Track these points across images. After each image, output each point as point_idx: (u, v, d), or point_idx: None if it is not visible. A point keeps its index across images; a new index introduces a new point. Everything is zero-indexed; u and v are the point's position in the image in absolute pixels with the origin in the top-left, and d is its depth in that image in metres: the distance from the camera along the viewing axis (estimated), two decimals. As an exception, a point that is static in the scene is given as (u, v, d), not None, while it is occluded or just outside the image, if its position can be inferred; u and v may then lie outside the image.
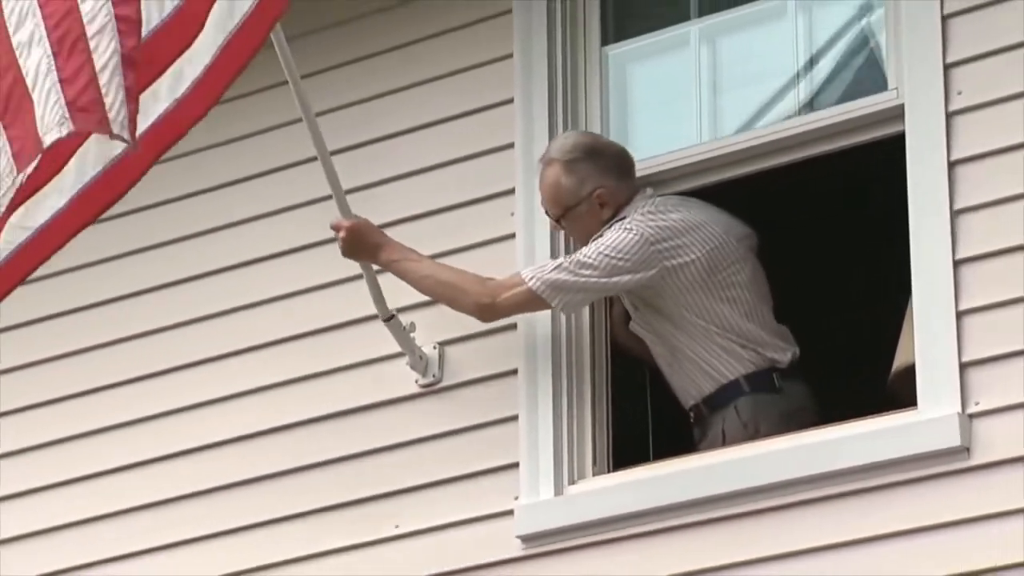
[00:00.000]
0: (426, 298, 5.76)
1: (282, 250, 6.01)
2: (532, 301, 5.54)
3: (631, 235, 5.51)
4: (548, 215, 5.69)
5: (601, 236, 5.56)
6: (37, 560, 6.20)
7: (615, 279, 5.50)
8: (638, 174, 5.69)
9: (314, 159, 5.60)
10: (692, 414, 5.65)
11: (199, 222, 6.19)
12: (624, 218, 5.58)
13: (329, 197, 5.71)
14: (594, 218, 5.63)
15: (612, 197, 5.63)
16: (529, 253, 5.74)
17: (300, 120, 5.54)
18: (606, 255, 5.49)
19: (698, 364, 5.57)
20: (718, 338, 5.54)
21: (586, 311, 5.71)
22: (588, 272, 5.49)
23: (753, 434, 5.49)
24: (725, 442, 5.51)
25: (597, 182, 5.61)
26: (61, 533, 6.20)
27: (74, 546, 6.16)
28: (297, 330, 5.97)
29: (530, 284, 5.51)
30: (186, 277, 6.20)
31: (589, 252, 5.52)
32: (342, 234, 5.63)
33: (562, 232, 5.75)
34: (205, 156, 6.18)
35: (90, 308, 6.29)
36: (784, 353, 5.59)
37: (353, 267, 5.70)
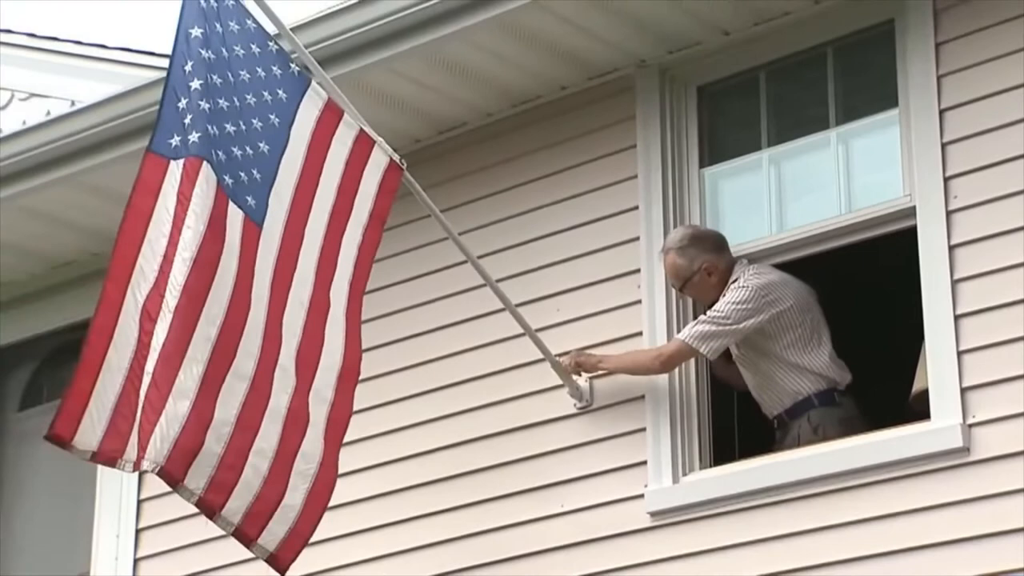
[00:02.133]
0: (581, 345, 5.76)
1: (486, 311, 5.98)
2: (688, 352, 5.52)
3: (747, 291, 5.48)
4: (674, 287, 5.70)
5: (725, 295, 5.52)
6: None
7: (744, 323, 5.47)
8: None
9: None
10: (776, 422, 5.60)
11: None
12: (737, 280, 5.55)
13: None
14: (705, 283, 5.61)
15: (715, 267, 5.60)
16: (651, 313, 5.73)
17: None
18: (734, 306, 5.47)
19: (782, 385, 5.54)
20: (798, 366, 5.51)
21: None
22: (724, 321, 5.46)
23: (820, 436, 5.45)
24: (800, 442, 5.47)
25: (703, 259, 5.59)
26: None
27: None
28: (495, 368, 5.95)
29: (685, 340, 5.49)
30: (432, 329, 6.16)
31: (721, 308, 5.49)
32: (571, 365, 5.70)
33: (680, 297, 5.71)
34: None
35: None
36: (843, 377, 5.55)
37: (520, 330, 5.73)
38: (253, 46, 5.03)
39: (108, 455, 4.55)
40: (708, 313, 5.54)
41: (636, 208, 5.86)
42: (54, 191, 6.61)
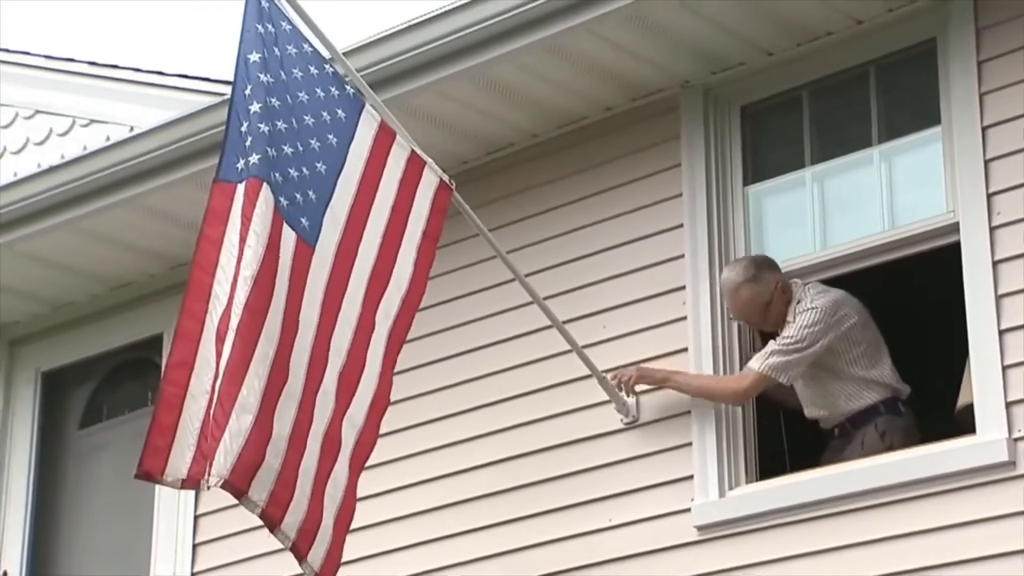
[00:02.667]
0: (627, 362, 5.67)
1: (534, 328, 5.92)
2: (765, 381, 5.40)
3: (817, 311, 5.38)
4: (750, 319, 5.51)
5: (793, 321, 5.41)
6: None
7: (816, 345, 5.37)
8: (773, 274, 5.60)
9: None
10: (836, 430, 5.49)
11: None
12: (800, 301, 5.44)
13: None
14: (780, 302, 5.48)
15: (784, 284, 5.50)
16: (696, 329, 5.64)
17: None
18: (807, 330, 5.36)
19: (847, 395, 5.43)
20: (864, 378, 5.42)
21: (736, 373, 5.55)
22: (799, 346, 5.36)
23: (888, 444, 5.35)
24: (864, 448, 5.37)
25: (774, 279, 5.48)
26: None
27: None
28: (542, 384, 5.88)
29: (763, 371, 5.37)
30: (490, 343, 6.06)
31: (792, 334, 5.38)
32: (633, 377, 5.55)
33: (727, 315, 5.59)
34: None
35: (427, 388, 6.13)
36: (903, 388, 5.47)
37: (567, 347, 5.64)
38: (311, 68, 5.01)
39: (195, 479, 4.55)
40: (779, 341, 5.41)
41: (681, 226, 5.79)
42: (114, 214, 6.60)
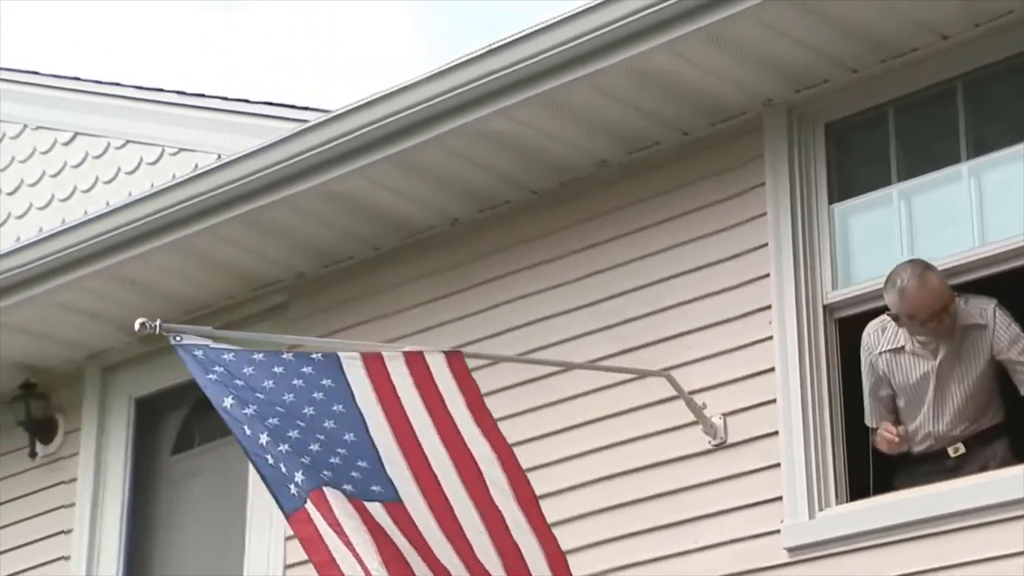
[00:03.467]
0: (714, 383, 5.63)
1: (621, 350, 5.86)
2: None
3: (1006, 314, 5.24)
4: (938, 313, 5.18)
5: (1003, 332, 5.22)
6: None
7: None
8: (858, 294, 5.50)
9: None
10: (954, 449, 5.28)
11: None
12: (982, 312, 5.23)
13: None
14: None
15: None
16: (783, 348, 5.54)
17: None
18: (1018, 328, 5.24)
19: (992, 411, 5.28)
20: (998, 392, 5.29)
21: (824, 391, 5.49)
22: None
23: (1017, 460, 5.20)
24: (997, 462, 5.20)
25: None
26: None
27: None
28: (629, 406, 5.80)
29: None
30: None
31: (1016, 336, 5.21)
32: None
33: (807, 334, 5.51)
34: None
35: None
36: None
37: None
38: (275, 369, 4.89)
39: None
40: (1018, 354, 5.23)
41: (766, 245, 5.70)
42: (205, 240, 6.58)
